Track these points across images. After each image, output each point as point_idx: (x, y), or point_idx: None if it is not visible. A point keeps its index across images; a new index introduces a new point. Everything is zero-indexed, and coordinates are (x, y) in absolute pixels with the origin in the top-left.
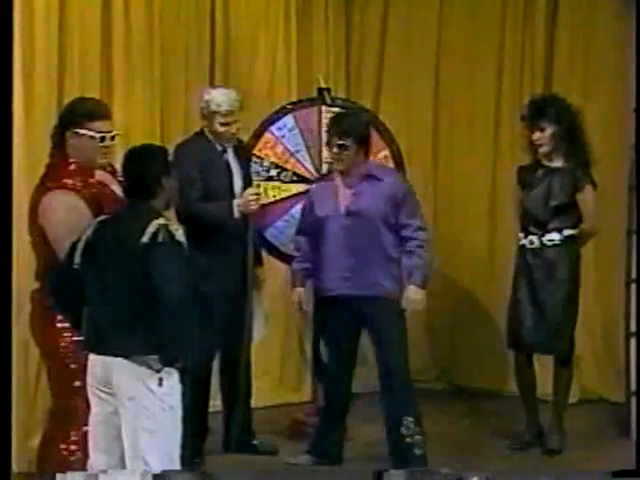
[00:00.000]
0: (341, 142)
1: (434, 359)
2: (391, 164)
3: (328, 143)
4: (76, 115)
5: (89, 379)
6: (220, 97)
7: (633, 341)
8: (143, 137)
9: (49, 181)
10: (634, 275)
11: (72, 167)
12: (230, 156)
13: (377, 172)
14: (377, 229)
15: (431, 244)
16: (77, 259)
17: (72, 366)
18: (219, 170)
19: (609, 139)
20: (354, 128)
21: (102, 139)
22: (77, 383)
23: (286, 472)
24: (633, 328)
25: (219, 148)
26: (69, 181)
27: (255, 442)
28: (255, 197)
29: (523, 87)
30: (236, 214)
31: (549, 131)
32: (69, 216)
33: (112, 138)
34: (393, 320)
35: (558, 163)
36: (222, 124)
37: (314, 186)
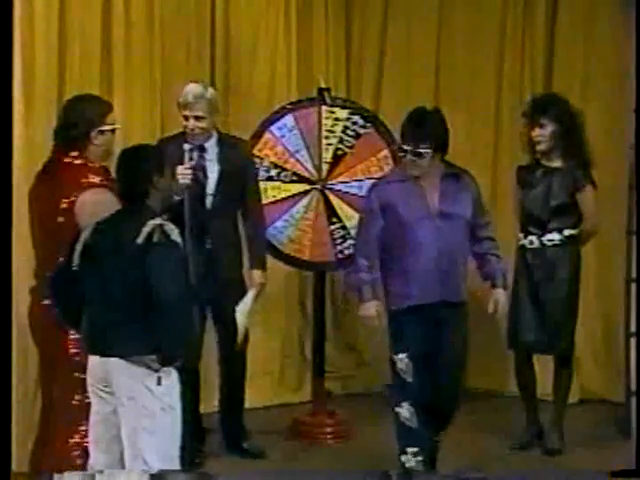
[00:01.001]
0: (418, 150)
1: None
2: (391, 164)
3: (400, 148)
4: (100, 114)
5: (89, 378)
6: (187, 89)
7: (633, 341)
8: (143, 137)
9: (74, 181)
10: (634, 275)
11: (95, 165)
12: (209, 153)
13: (455, 170)
14: (463, 230)
15: None
16: (76, 260)
17: (72, 362)
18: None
19: (609, 139)
20: (433, 132)
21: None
22: (79, 379)
23: (285, 473)
24: (633, 328)
25: (194, 143)
26: (99, 178)
27: (244, 445)
28: (184, 171)
29: (523, 87)
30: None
31: (549, 128)
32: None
33: None
34: (465, 326)
35: (558, 163)
36: (184, 117)
37: (387, 185)
